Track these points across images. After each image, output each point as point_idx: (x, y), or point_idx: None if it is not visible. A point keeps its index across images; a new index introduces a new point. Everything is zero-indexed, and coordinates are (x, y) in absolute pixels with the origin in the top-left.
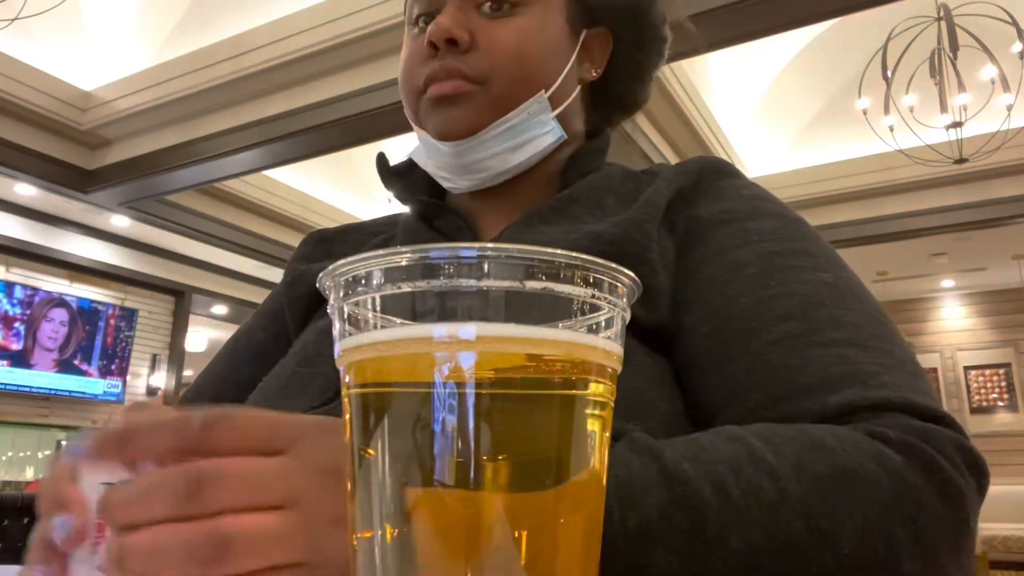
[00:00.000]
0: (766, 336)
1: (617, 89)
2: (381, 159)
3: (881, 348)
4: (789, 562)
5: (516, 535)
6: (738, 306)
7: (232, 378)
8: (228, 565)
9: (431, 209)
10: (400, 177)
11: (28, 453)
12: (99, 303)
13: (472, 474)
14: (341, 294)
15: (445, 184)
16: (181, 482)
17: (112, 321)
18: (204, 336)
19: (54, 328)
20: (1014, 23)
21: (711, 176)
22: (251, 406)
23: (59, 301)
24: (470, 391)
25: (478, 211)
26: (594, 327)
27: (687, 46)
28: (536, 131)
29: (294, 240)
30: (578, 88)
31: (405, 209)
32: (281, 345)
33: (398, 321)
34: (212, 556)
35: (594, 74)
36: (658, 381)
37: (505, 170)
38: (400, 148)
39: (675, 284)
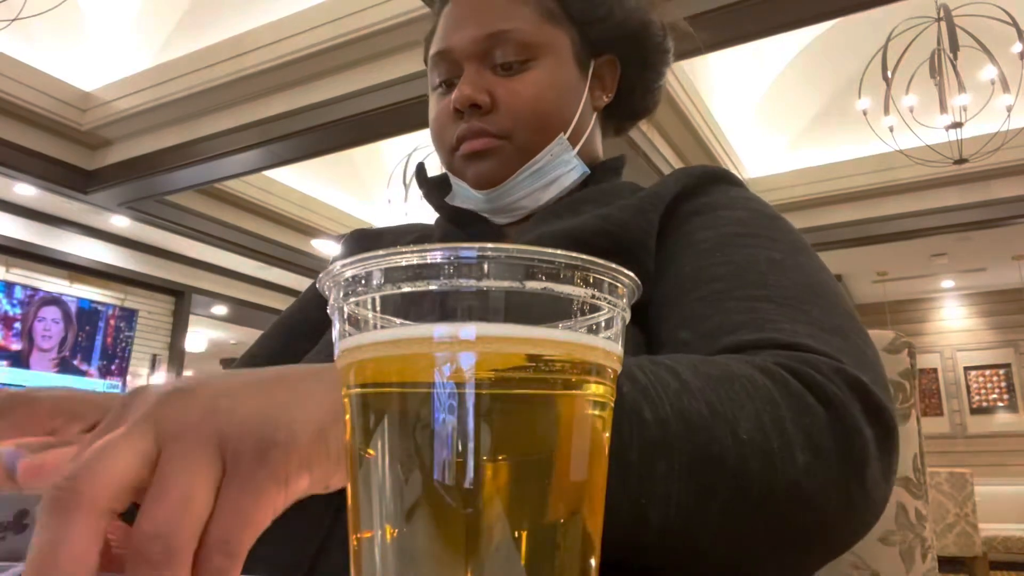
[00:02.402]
0: (695, 294)
1: (629, 105)
2: (420, 169)
3: (798, 307)
4: (695, 440)
5: (516, 535)
6: (683, 274)
7: (287, 352)
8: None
9: (463, 216)
10: (437, 186)
11: None
12: (99, 303)
13: (472, 474)
14: (341, 294)
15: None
16: None
17: (112, 321)
18: (204, 336)
19: (46, 327)
20: (1014, 23)
21: (708, 180)
22: None
23: (51, 299)
24: (470, 391)
25: (508, 221)
26: (594, 327)
27: (687, 46)
28: (561, 170)
29: (294, 240)
30: (594, 116)
31: (417, 212)
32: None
33: (398, 321)
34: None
35: (606, 99)
36: (640, 352)
37: (538, 207)
38: (400, 148)
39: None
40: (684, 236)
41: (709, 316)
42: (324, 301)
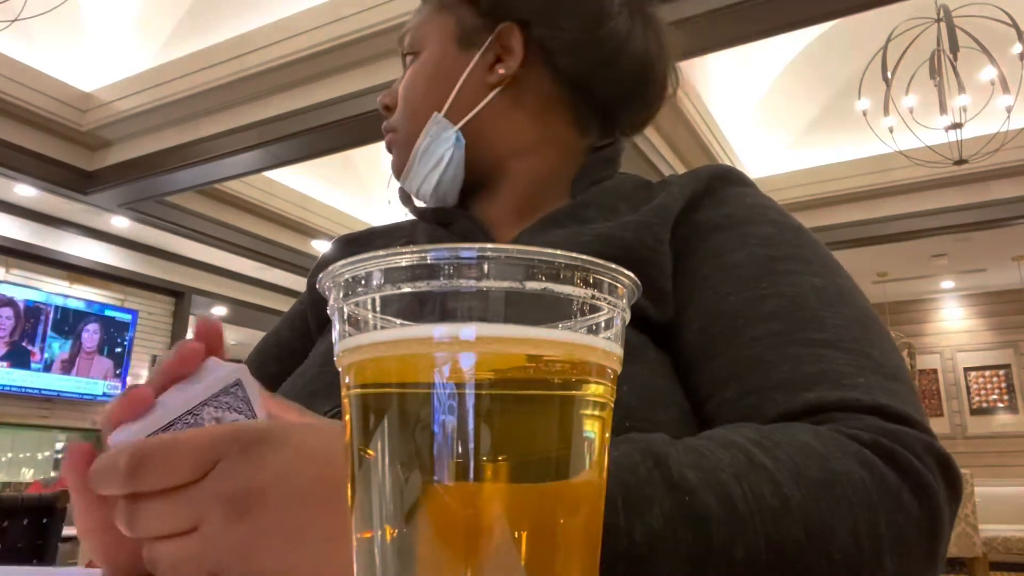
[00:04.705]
0: (750, 333)
1: (557, 69)
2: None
3: (861, 351)
4: (786, 568)
5: (516, 536)
6: (727, 304)
7: (259, 375)
8: None
9: (448, 216)
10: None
11: (28, 454)
12: (99, 304)
13: (472, 475)
14: (341, 295)
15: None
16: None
17: (112, 323)
18: None
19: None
20: (1014, 24)
21: (719, 183)
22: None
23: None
24: (470, 392)
25: (494, 218)
26: (594, 328)
27: (691, 46)
28: (443, 147)
29: (294, 241)
30: (493, 92)
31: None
32: (307, 343)
33: (398, 322)
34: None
35: (504, 70)
36: (670, 376)
37: (434, 188)
38: None
39: (675, 286)
40: (711, 256)
41: (776, 363)
42: (300, 320)
